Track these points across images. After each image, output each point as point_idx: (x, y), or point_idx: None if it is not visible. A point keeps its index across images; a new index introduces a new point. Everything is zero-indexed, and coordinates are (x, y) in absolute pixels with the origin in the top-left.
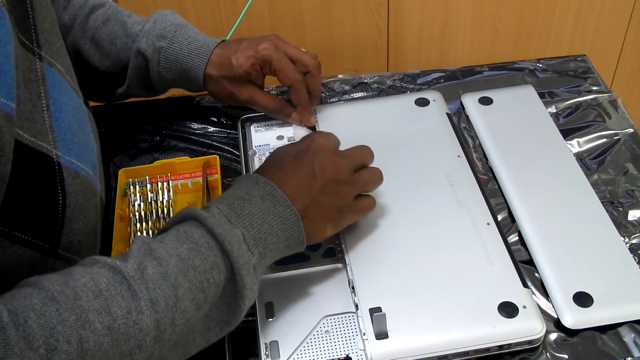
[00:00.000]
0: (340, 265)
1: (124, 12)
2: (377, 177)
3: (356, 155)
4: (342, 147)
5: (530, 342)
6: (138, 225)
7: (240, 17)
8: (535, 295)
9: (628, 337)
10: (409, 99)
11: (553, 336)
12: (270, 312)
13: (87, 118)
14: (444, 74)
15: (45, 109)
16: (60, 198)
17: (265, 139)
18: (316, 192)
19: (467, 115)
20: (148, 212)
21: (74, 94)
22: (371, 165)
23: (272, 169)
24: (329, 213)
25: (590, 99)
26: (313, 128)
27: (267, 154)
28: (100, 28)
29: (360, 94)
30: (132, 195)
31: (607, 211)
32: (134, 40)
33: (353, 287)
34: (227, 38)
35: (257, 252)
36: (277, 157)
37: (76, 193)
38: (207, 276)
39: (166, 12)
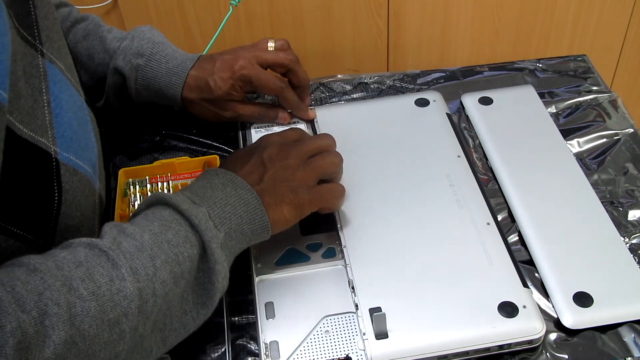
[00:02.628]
0: (340, 265)
1: (105, 27)
2: (334, 160)
3: (309, 143)
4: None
5: (530, 342)
6: None
7: (219, 29)
8: (535, 295)
9: (628, 337)
10: (409, 99)
11: (553, 336)
12: (271, 312)
13: (88, 117)
14: (444, 74)
15: (46, 104)
16: (56, 194)
17: None
18: (267, 178)
19: (467, 115)
20: None
21: (74, 92)
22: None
23: (226, 165)
24: (283, 195)
25: (590, 99)
26: (314, 127)
27: None
28: (79, 42)
29: (360, 94)
30: (132, 195)
31: (607, 211)
32: (111, 57)
33: (353, 287)
34: (204, 53)
35: (223, 230)
36: (231, 156)
37: (73, 190)
38: (181, 249)
39: (144, 29)
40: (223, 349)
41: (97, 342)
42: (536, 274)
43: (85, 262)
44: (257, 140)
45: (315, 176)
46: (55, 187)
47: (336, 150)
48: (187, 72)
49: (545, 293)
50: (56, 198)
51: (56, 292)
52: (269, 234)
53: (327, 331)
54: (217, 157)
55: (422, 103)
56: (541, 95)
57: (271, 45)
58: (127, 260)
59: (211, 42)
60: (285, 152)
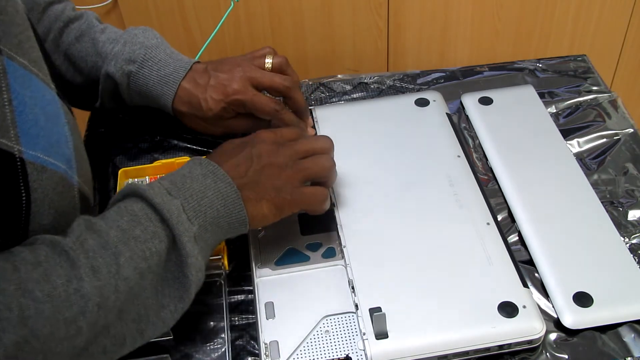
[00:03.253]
0: (340, 265)
1: (99, 26)
2: (325, 164)
3: (303, 144)
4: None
5: (530, 342)
6: None
7: (212, 35)
8: (535, 295)
9: (628, 337)
10: (409, 99)
11: (553, 336)
12: (271, 312)
13: (61, 110)
14: (444, 74)
15: (6, 103)
16: (24, 194)
17: None
18: (252, 173)
19: (467, 115)
20: None
21: (42, 86)
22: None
23: (215, 155)
24: (265, 192)
25: (590, 99)
26: (314, 128)
27: None
28: (73, 44)
29: (360, 94)
30: None
31: (607, 211)
32: (103, 61)
33: (353, 287)
34: (197, 58)
35: (197, 223)
36: (222, 146)
37: (43, 188)
38: (149, 245)
39: (137, 32)
40: (223, 349)
41: (52, 339)
42: (536, 274)
43: (45, 262)
44: (253, 134)
45: (301, 178)
46: (22, 187)
47: (332, 154)
48: (179, 83)
49: (545, 293)
50: (24, 198)
51: (8, 297)
52: (247, 229)
53: (327, 331)
54: None
55: (422, 103)
56: (541, 95)
57: (269, 62)
58: (89, 259)
59: (209, 39)
60: (276, 150)
